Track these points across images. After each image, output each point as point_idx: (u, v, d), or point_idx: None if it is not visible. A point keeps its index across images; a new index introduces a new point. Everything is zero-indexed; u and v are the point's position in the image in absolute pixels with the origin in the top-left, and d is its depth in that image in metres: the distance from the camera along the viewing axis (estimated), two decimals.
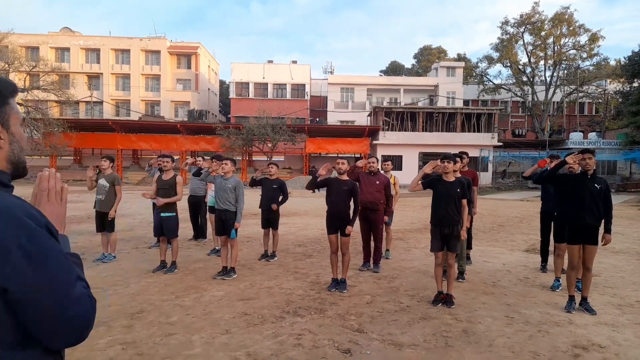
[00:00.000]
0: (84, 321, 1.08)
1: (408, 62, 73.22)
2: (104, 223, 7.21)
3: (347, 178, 5.97)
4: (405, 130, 35.76)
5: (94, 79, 48.60)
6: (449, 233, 5.23)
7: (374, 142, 35.09)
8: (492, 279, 6.53)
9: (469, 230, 6.89)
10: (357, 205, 5.90)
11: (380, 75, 62.70)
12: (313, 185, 5.96)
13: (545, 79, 44.55)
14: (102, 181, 7.14)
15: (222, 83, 63.98)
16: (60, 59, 45.99)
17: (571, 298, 5.11)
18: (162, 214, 6.61)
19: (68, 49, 47.59)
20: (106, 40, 48.33)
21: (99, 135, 35.16)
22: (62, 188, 1.25)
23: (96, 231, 7.48)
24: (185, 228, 9.45)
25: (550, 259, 6.90)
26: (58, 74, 34.36)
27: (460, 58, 58.67)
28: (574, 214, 5.05)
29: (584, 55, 43.72)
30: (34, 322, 1.02)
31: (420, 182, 5.39)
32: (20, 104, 31.55)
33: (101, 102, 46.28)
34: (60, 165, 34.79)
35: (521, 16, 43.76)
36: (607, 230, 5.10)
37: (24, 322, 1.02)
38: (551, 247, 6.88)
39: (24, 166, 1.21)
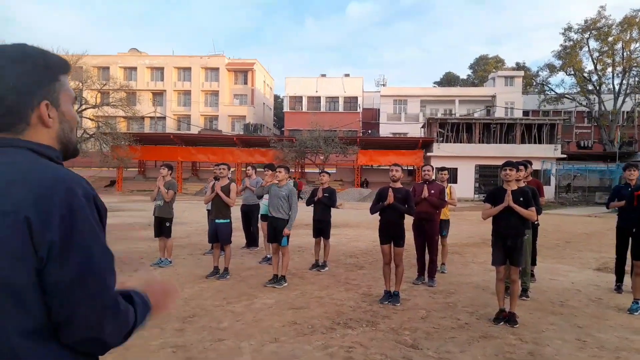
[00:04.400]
0: (123, 322, 1.01)
1: (463, 73, 71.47)
2: (162, 228, 7.47)
3: (401, 186, 5.78)
4: (460, 142, 34.66)
5: (158, 96, 51.50)
6: (512, 245, 4.87)
7: (428, 154, 34.29)
8: (559, 298, 6.02)
9: (532, 246, 6.44)
10: (412, 211, 5.73)
11: (434, 86, 61.46)
12: (377, 210, 5.77)
13: (614, 87, 41.62)
14: (162, 188, 7.43)
15: (276, 97, 65.53)
16: (128, 78, 49.19)
17: None
18: (217, 221, 6.73)
19: (135, 68, 50.90)
20: (169, 59, 51.20)
21: (161, 148, 37.19)
22: None
23: (154, 236, 7.75)
24: (238, 237, 9.59)
25: (627, 278, 6.26)
26: (126, 92, 36.75)
27: (519, 67, 56.20)
28: None
29: None
30: (69, 309, 0.94)
31: (491, 208, 5.04)
32: (91, 119, 33.98)
33: (164, 117, 48.90)
34: (125, 176, 36.97)
35: (586, 21, 41.34)
36: None
37: (61, 313, 0.94)
38: (628, 267, 6.25)
39: (75, 147, 1.16)
